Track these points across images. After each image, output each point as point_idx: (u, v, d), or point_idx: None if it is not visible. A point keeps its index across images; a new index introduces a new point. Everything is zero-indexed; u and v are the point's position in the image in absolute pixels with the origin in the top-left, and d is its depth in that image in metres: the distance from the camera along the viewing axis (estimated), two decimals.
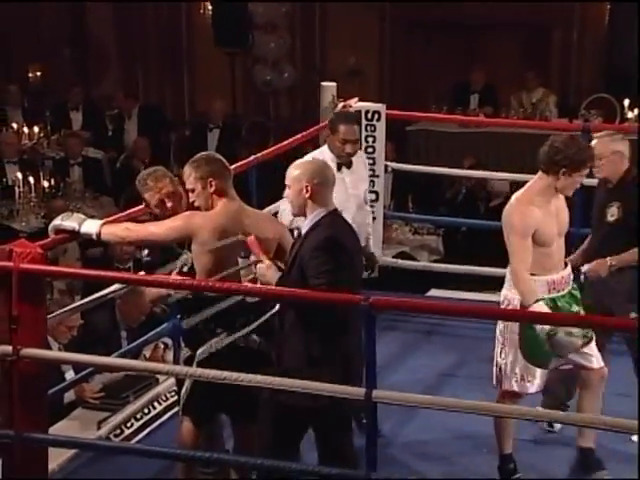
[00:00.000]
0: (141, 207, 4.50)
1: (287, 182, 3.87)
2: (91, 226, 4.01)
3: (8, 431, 3.82)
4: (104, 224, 4.03)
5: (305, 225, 3.83)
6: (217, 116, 9.78)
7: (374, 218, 6.24)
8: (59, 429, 4.48)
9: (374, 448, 3.58)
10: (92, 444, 4.12)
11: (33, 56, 10.90)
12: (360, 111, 5.88)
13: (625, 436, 4.05)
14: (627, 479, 3.74)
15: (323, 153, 4.81)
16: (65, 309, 4.52)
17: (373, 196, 6.16)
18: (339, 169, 4.75)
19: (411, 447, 4.54)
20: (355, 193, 4.85)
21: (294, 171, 3.84)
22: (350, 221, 4.45)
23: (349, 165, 4.83)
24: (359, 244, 4.05)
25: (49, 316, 4.20)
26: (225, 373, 3.63)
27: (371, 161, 6.18)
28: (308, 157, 4.70)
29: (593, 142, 4.41)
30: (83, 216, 4.10)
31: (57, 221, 4.07)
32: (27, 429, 3.80)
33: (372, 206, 5.16)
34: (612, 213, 4.42)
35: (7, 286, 3.77)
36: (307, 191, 3.77)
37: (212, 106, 9.88)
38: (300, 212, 3.85)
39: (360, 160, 4.99)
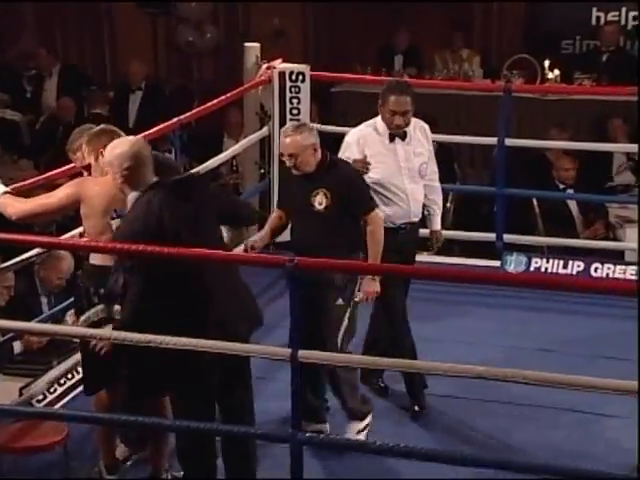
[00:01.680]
0: (67, 167, 4.45)
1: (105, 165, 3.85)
2: None
3: None
4: (5, 193, 3.96)
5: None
6: (137, 78, 9.52)
7: None
8: None
9: (299, 407, 3.63)
10: (13, 410, 4.08)
11: None
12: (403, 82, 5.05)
13: None
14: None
15: (376, 122, 4.71)
16: None
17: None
18: (392, 140, 4.67)
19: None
20: (408, 166, 4.69)
21: (105, 160, 3.84)
22: (400, 194, 4.65)
23: (403, 136, 4.68)
24: (187, 211, 3.84)
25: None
26: (149, 336, 3.63)
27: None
28: (361, 126, 4.74)
29: (284, 139, 4.34)
30: None
31: None
32: None
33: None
34: (319, 201, 4.34)
35: None
36: (121, 177, 3.77)
37: (130, 69, 9.59)
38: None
39: (419, 133, 4.79)
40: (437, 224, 4.97)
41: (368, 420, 4.47)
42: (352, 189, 4.39)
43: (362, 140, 4.69)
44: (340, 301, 4.32)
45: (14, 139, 8.93)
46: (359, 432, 4.42)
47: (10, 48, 10.82)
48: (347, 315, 4.34)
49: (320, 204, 4.34)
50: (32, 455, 4.11)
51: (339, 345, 4.28)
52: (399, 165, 4.67)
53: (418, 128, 4.77)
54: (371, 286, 4.40)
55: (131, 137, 3.98)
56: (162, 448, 4.07)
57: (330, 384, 4.42)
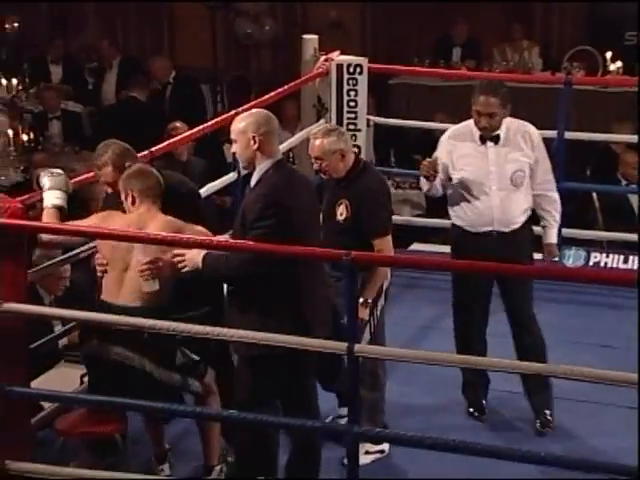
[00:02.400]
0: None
1: (233, 136, 3.81)
2: (48, 199, 3.95)
3: None
4: (54, 207, 3.95)
5: (253, 179, 3.81)
6: (164, 75, 9.38)
7: None
8: (41, 382, 4.48)
9: (356, 402, 3.60)
10: (73, 398, 4.12)
11: (9, 8, 10.74)
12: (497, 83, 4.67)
13: None
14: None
15: (470, 123, 4.46)
16: (49, 262, 4.49)
17: (355, 150, 6.15)
18: (483, 142, 4.42)
19: (391, 400, 4.56)
20: (498, 171, 4.38)
21: (239, 124, 3.79)
22: (484, 199, 4.38)
23: (495, 140, 4.40)
24: (311, 194, 3.91)
25: (35, 269, 4.20)
26: (208, 328, 3.64)
27: (353, 115, 6.17)
28: (460, 124, 4.54)
29: (312, 142, 4.24)
30: (59, 184, 3.99)
31: (44, 177, 4.00)
32: (9, 382, 3.81)
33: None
34: (341, 212, 4.22)
35: None
36: (255, 142, 3.74)
37: (153, 66, 9.47)
38: (249, 165, 3.82)
39: (520, 138, 4.43)
40: (550, 237, 4.59)
41: (382, 447, 4.30)
42: (368, 205, 4.19)
43: (453, 139, 4.52)
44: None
45: (76, 130, 9.02)
46: (367, 453, 4.22)
47: (73, 41, 10.95)
48: (367, 329, 4.16)
49: (341, 214, 4.22)
50: (93, 441, 4.13)
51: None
52: (488, 169, 4.40)
53: (520, 133, 4.44)
54: (360, 312, 3.99)
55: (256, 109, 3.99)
56: (213, 438, 4.07)
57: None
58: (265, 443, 3.89)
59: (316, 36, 6.61)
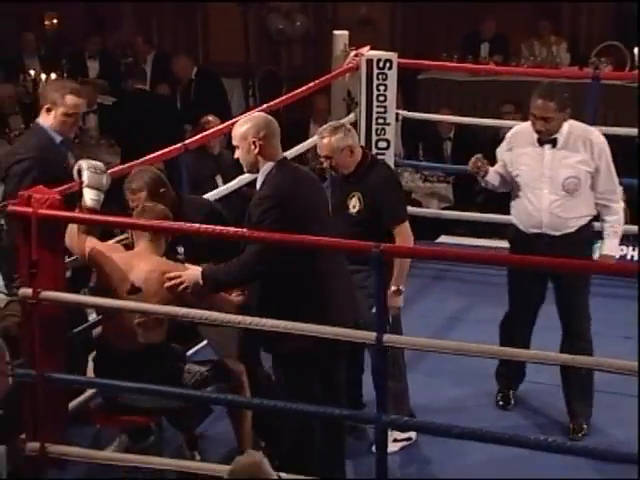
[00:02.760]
0: (160, 153, 4.52)
1: (234, 142, 3.80)
2: (85, 197, 3.93)
3: (30, 370, 3.87)
4: (87, 210, 3.93)
5: (258, 182, 3.80)
6: (186, 74, 9.43)
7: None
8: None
9: (384, 391, 3.60)
10: (110, 385, 4.14)
11: (49, 5, 10.81)
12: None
13: None
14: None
15: (528, 125, 4.34)
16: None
17: (384, 144, 6.15)
18: (541, 144, 4.27)
19: (419, 390, 4.56)
20: (551, 175, 4.24)
21: (239, 130, 3.78)
22: (534, 200, 4.25)
23: (553, 143, 4.25)
24: (315, 188, 3.90)
25: (70, 259, 4.23)
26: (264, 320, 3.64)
27: (382, 109, 6.15)
28: (525, 123, 4.39)
29: (320, 141, 4.22)
30: (98, 182, 3.97)
31: (86, 171, 3.97)
32: (47, 369, 3.85)
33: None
34: (353, 205, 4.21)
35: (27, 231, 3.79)
36: (255, 146, 3.72)
37: (176, 66, 9.49)
38: (253, 169, 3.81)
39: (581, 144, 4.25)
40: (605, 249, 4.35)
41: (410, 434, 4.29)
42: (383, 195, 4.20)
43: (515, 137, 4.43)
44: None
45: (112, 124, 9.05)
46: (395, 441, 4.22)
47: (109, 37, 11.00)
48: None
49: (354, 207, 4.22)
50: (128, 429, 4.16)
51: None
52: (542, 171, 4.27)
53: (582, 139, 4.27)
54: (393, 301, 4.11)
55: (256, 113, 3.98)
56: (245, 424, 4.05)
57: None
58: (304, 433, 3.87)
59: (346, 32, 6.59)
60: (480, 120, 7.17)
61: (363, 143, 6.18)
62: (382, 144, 6.18)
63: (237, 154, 3.81)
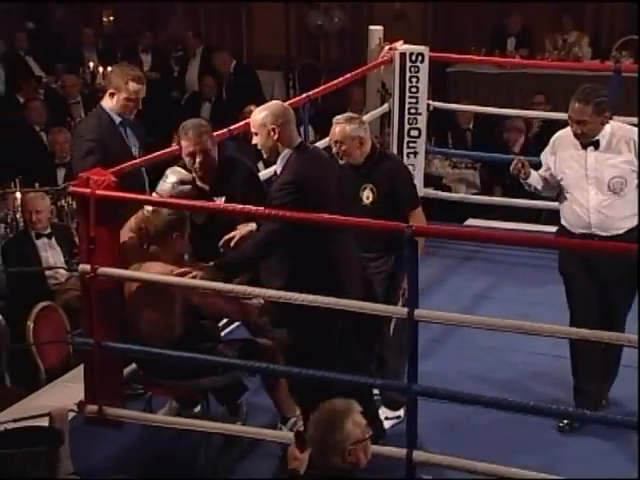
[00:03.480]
0: (174, 149, 4.51)
1: (253, 129, 3.76)
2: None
3: (88, 339, 3.91)
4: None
5: (277, 167, 3.77)
6: (226, 67, 9.51)
7: (415, 153, 6.17)
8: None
9: (415, 362, 3.58)
10: (160, 353, 4.16)
11: (106, 3, 10.86)
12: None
13: None
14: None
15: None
16: None
17: (416, 132, 6.11)
18: (584, 146, 4.08)
19: (448, 363, 4.53)
20: (596, 175, 4.05)
21: (257, 117, 3.74)
22: (582, 201, 4.08)
23: (595, 145, 4.06)
24: (333, 172, 3.89)
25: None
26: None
27: (414, 100, 6.10)
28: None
29: (334, 127, 4.14)
30: (176, 188, 4.03)
31: (166, 182, 4.04)
32: (103, 338, 3.88)
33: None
34: (367, 196, 4.13)
35: (86, 210, 3.81)
36: (275, 133, 3.69)
37: (218, 60, 9.57)
38: (272, 155, 3.77)
39: (625, 144, 4.06)
40: None
41: (400, 413, 4.18)
42: (396, 183, 4.16)
43: (558, 141, 4.25)
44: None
45: None
46: (387, 419, 4.15)
47: (161, 32, 11.02)
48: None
49: (367, 198, 4.16)
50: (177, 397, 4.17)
51: (391, 330, 4.12)
52: (586, 174, 4.09)
53: (625, 139, 4.07)
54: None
55: (273, 101, 3.96)
56: (282, 392, 4.01)
57: (377, 368, 4.20)
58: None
59: (381, 27, 6.54)
60: (509, 111, 7.06)
61: (396, 132, 6.16)
62: (414, 132, 6.14)
63: (255, 140, 3.78)
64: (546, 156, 4.29)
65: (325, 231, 3.70)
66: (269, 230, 3.69)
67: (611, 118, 4.13)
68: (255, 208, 3.70)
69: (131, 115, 4.55)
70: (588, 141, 4.07)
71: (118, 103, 4.46)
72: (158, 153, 4.47)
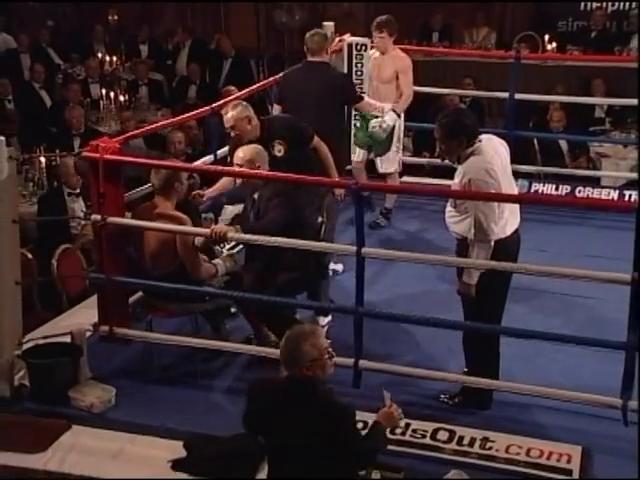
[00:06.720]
0: (193, 113, 4.31)
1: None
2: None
3: (100, 275, 3.82)
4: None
5: None
6: (227, 50, 9.25)
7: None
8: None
9: (361, 290, 3.52)
10: (156, 285, 4.02)
11: (111, 3, 10.54)
12: None
13: None
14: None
15: None
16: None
17: None
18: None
19: (388, 290, 4.49)
20: None
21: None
22: None
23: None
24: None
25: (130, 192, 4.11)
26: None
27: (359, 81, 6.01)
28: None
29: (225, 116, 4.08)
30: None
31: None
32: (112, 273, 3.79)
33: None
34: (278, 149, 4.10)
35: (96, 171, 3.70)
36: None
37: (221, 43, 9.41)
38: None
39: None
40: None
41: (329, 318, 4.14)
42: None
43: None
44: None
45: (158, 93, 8.88)
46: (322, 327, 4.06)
47: (156, 27, 10.72)
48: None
49: (279, 152, 4.12)
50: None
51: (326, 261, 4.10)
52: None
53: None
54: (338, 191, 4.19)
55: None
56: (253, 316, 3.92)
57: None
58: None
59: (333, 23, 6.41)
60: (441, 90, 6.93)
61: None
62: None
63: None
64: None
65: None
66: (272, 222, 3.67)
67: None
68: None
69: None
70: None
71: None
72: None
